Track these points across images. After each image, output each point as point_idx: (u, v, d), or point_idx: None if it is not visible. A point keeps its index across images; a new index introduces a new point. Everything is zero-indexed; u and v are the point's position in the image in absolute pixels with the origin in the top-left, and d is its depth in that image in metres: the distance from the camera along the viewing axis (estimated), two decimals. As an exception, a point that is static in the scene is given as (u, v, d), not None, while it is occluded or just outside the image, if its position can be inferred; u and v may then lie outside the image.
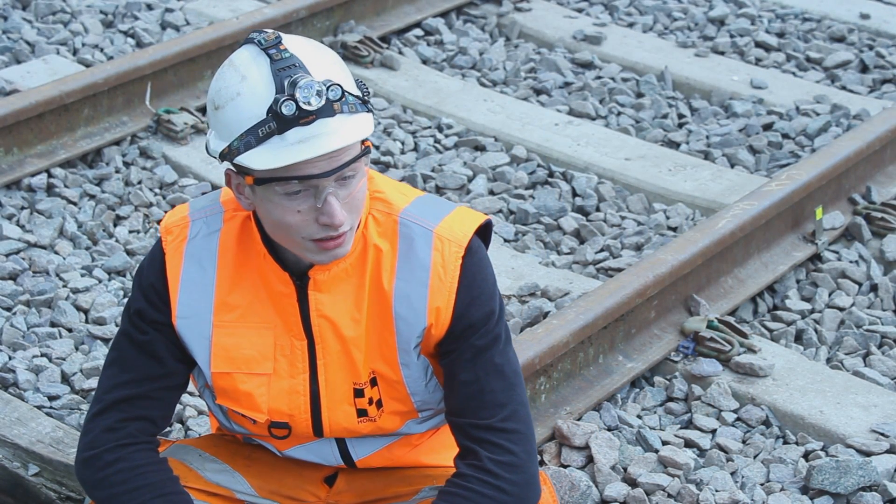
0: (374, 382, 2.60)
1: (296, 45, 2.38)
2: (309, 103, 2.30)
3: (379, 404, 2.62)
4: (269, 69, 2.34)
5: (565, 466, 3.56)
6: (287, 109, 2.30)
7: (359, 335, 2.55)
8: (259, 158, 2.34)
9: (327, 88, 2.32)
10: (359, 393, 2.60)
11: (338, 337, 2.55)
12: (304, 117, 2.31)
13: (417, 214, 2.55)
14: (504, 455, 2.54)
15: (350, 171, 2.38)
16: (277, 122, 2.32)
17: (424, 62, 5.90)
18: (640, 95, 5.70)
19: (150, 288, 2.57)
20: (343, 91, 2.34)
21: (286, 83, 2.32)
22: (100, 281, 4.31)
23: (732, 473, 3.56)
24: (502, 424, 2.55)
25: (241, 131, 2.35)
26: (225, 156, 2.38)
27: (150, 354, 2.58)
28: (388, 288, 2.52)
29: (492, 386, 2.55)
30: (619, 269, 4.39)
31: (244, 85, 2.35)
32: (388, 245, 2.53)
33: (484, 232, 2.61)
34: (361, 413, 2.62)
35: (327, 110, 2.32)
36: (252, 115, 2.34)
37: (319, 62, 2.37)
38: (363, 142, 2.40)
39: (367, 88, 2.42)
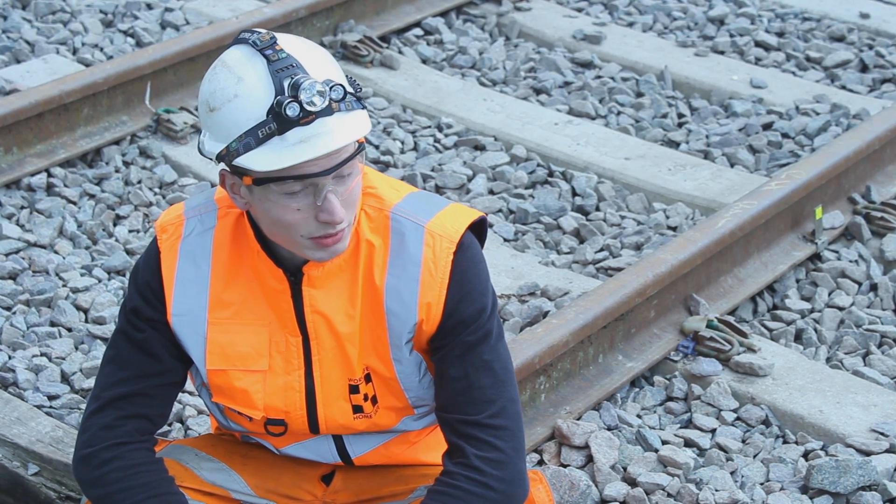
0: (368, 378, 2.60)
1: (291, 44, 2.38)
2: (313, 104, 2.31)
3: (374, 400, 2.63)
4: (266, 70, 2.34)
5: (565, 466, 3.56)
6: (291, 111, 2.31)
7: (353, 331, 2.55)
8: (260, 160, 2.34)
9: (330, 88, 2.33)
10: (354, 389, 2.61)
11: (332, 333, 2.56)
12: (304, 118, 2.31)
13: (409, 210, 2.55)
14: (491, 452, 2.54)
15: (347, 168, 2.39)
16: (278, 123, 2.32)
17: (424, 62, 5.90)
18: (639, 95, 5.71)
19: (146, 286, 2.58)
20: (345, 90, 2.34)
21: (286, 84, 2.32)
22: (99, 280, 4.31)
23: (732, 473, 3.56)
24: (490, 421, 2.55)
25: (239, 133, 2.35)
26: (223, 157, 2.38)
27: (146, 352, 2.59)
28: (379, 283, 2.52)
29: (481, 382, 2.55)
30: (619, 269, 4.39)
31: (241, 86, 2.35)
32: (380, 240, 2.53)
33: (478, 228, 2.61)
34: (357, 409, 2.63)
35: (326, 110, 2.33)
36: (251, 116, 2.34)
37: (316, 62, 2.37)
38: (358, 139, 2.41)
39: (359, 85, 2.43)
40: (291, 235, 2.42)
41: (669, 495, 3.48)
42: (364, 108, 2.40)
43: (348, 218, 2.43)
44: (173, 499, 2.58)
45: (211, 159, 2.41)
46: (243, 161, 2.36)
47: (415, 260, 2.52)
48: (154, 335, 2.59)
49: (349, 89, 2.38)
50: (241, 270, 2.56)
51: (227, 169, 2.43)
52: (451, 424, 2.57)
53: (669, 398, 3.91)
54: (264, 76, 2.34)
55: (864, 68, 5.97)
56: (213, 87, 2.39)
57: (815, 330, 4.21)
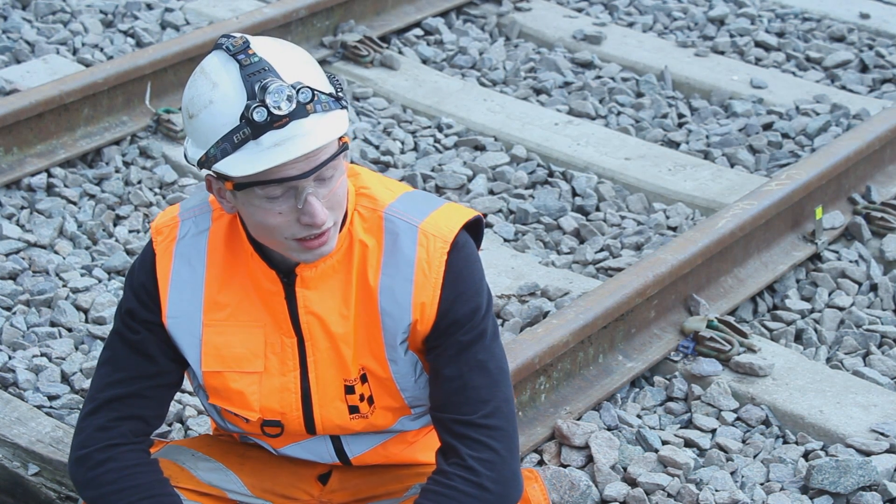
0: (364, 379, 2.61)
1: (265, 47, 2.38)
2: (279, 108, 2.31)
3: (370, 401, 2.63)
4: (238, 75, 2.35)
5: (565, 466, 3.56)
6: (258, 115, 2.31)
7: (347, 331, 2.56)
8: (236, 165, 2.35)
9: (297, 91, 2.32)
10: (350, 390, 2.61)
11: (326, 333, 2.56)
12: (276, 121, 2.31)
13: (403, 210, 2.56)
14: (485, 452, 2.54)
15: (328, 169, 2.38)
16: (251, 128, 2.33)
17: (424, 62, 5.90)
18: (639, 95, 5.71)
19: (141, 288, 2.59)
20: (313, 92, 2.34)
21: (256, 88, 2.32)
22: (99, 280, 4.31)
23: (732, 473, 3.56)
24: (484, 421, 2.55)
25: (216, 139, 2.36)
26: (203, 163, 2.40)
27: (142, 353, 2.59)
28: (373, 284, 2.53)
29: (475, 382, 2.55)
30: (619, 269, 4.39)
31: (216, 92, 2.36)
32: (373, 241, 2.53)
33: (474, 228, 2.61)
34: (353, 410, 2.63)
35: (300, 112, 2.33)
36: (226, 122, 2.35)
37: (289, 64, 2.37)
38: (340, 139, 2.41)
39: (340, 84, 2.43)
40: (275, 237, 2.43)
41: (669, 495, 3.48)
42: (344, 107, 2.40)
43: (333, 218, 2.43)
44: (167, 500, 2.58)
45: (194, 165, 2.42)
46: (222, 166, 2.36)
47: (408, 260, 2.52)
48: (149, 337, 2.59)
49: (325, 90, 2.38)
50: (235, 272, 2.56)
51: (212, 174, 2.43)
52: (445, 424, 2.57)
53: (669, 398, 3.91)
54: (237, 81, 2.35)
55: (864, 68, 5.97)
56: (191, 94, 2.40)
57: (816, 330, 4.21)
